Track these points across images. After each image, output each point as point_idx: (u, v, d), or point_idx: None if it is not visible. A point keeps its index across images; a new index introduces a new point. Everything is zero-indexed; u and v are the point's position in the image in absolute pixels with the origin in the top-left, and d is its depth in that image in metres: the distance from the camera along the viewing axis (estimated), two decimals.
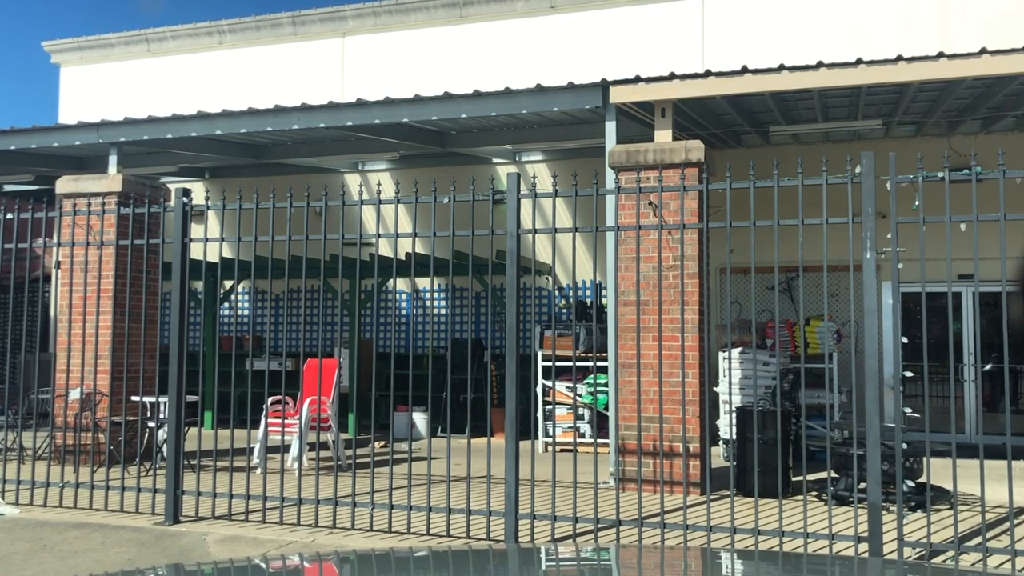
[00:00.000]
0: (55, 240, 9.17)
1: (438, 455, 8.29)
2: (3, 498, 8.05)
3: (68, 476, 8.48)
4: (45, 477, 8.07)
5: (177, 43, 16.51)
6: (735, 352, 10.04)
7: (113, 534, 7.06)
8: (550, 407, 11.25)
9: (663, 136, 9.23)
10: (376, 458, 8.53)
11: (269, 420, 9.30)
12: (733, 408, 9.00)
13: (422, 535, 6.84)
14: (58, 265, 10.06)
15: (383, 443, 11.96)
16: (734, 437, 8.82)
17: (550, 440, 11.07)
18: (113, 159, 11.08)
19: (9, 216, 8.41)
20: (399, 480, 8.69)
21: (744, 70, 9.12)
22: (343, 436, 11.03)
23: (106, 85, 16.81)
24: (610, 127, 9.44)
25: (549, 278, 13.89)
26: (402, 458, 10.44)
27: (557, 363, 10.26)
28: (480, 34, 14.69)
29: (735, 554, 3.39)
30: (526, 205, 11.37)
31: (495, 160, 14.34)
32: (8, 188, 15.64)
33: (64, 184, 10.67)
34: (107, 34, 16.97)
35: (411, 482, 7.19)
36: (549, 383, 11.25)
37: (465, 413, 11.51)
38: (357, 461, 9.40)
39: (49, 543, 6.81)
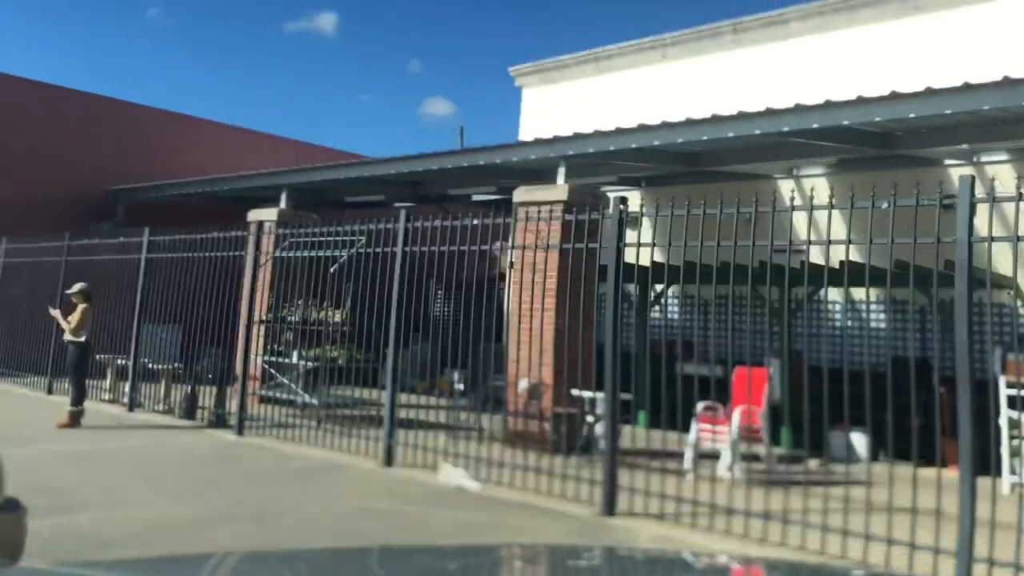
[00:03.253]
0: (510, 243, 10.20)
1: (876, 481, 7.71)
2: (468, 472, 9.11)
3: (518, 459, 9.36)
4: (499, 458, 8.98)
5: (623, 59, 17.39)
6: None
7: (554, 518, 7.63)
8: (1016, 441, 9.85)
9: None
10: (807, 476, 8.19)
11: (700, 426, 9.41)
12: None
13: (857, 563, 6.42)
14: (511, 266, 11.13)
15: (817, 461, 11.43)
16: None
17: (1017, 480, 9.68)
18: (562, 171, 11.99)
19: (475, 223, 9.55)
20: (832, 503, 8.25)
21: None
22: (774, 450, 10.77)
23: (558, 103, 18.29)
24: None
25: (1011, 292, 12.22)
26: (837, 480, 9.89)
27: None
28: (934, 24, 13.41)
29: None
30: (982, 210, 10.11)
31: (946, 161, 12.99)
32: (476, 198, 17.74)
33: (520, 194, 11.80)
34: (562, 56, 18.45)
35: (847, 506, 6.78)
36: (1014, 414, 9.88)
37: (907, 439, 10.54)
38: (788, 478, 9.12)
39: (501, 519, 7.58)
